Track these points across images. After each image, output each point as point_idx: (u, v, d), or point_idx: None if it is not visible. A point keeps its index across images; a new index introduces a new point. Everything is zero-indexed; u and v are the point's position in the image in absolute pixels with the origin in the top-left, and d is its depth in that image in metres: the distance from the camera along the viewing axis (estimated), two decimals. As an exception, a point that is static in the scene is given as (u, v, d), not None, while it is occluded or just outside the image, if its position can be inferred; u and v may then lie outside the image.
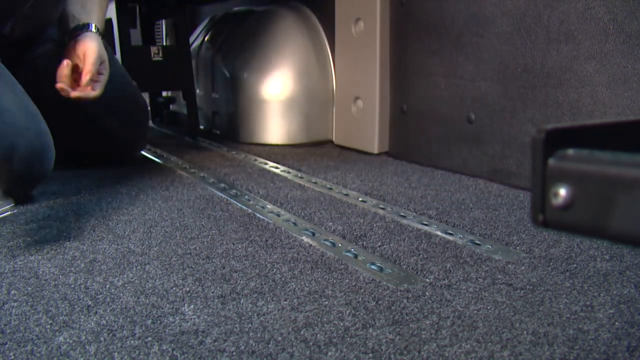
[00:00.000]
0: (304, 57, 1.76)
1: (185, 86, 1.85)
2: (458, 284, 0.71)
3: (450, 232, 0.92)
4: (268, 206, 1.07)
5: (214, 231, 0.92)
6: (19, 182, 1.04)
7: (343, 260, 0.79)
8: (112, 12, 1.83)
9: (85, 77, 1.14)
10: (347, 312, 0.63)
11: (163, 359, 0.54)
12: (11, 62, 1.17)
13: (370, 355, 0.55)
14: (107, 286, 0.70)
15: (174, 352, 0.55)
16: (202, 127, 2.03)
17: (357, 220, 0.98)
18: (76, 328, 0.59)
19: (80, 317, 0.62)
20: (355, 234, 0.91)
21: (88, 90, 1.15)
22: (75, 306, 0.65)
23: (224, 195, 1.15)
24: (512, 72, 1.22)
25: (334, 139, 1.76)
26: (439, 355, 0.55)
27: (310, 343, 0.57)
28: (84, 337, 0.58)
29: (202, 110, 2.04)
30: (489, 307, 0.65)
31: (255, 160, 1.53)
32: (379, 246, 0.86)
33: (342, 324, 0.61)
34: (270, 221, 0.97)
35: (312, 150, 1.68)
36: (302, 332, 0.59)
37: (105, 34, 1.27)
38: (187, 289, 0.70)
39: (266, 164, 1.48)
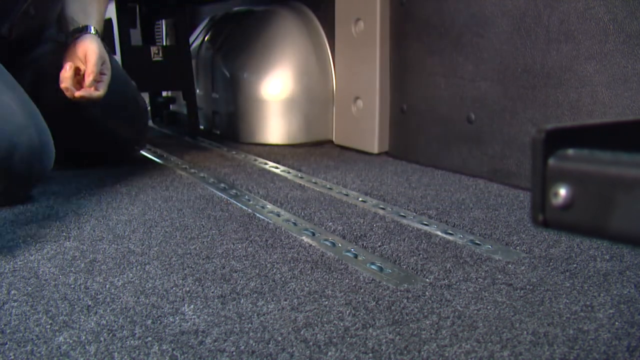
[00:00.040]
0: (304, 57, 1.76)
1: (185, 86, 1.85)
2: (458, 284, 0.71)
3: (450, 232, 0.92)
4: (268, 206, 1.07)
5: (214, 231, 0.92)
6: (19, 181, 1.05)
7: (343, 260, 0.79)
8: (112, 12, 1.84)
9: (89, 78, 1.14)
10: (347, 312, 0.63)
11: (163, 359, 0.54)
12: (10, 64, 1.17)
13: (370, 355, 0.55)
14: (107, 286, 0.70)
15: (174, 352, 0.55)
16: (202, 127, 2.04)
17: (357, 220, 0.98)
18: (76, 328, 0.59)
19: (80, 317, 0.62)
20: (355, 234, 0.91)
21: (92, 91, 1.15)
22: (75, 306, 0.65)
23: (224, 195, 1.15)
24: (512, 72, 1.22)
25: (334, 139, 1.76)
26: (439, 355, 0.55)
27: (310, 343, 0.57)
28: (84, 337, 0.58)
29: (202, 110, 2.04)
30: (489, 307, 0.65)
31: (255, 160, 1.53)
32: (379, 246, 0.86)
33: (342, 324, 0.61)
34: (270, 221, 0.97)
35: (312, 150, 1.68)
36: (302, 332, 0.59)
37: (105, 36, 1.28)
38: (187, 289, 0.70)
39: (266, 164, 1.48)
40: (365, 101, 1.60)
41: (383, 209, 1.06)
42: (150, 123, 2.15)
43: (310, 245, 0.85)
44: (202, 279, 0.73)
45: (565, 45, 1.12)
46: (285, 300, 0.67)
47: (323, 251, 0.83)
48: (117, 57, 1.82)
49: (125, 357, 0.54)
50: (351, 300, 0.66)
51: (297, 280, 0.72)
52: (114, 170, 1.37)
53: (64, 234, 0.91)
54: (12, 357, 0.54)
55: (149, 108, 2.12)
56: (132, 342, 0.57)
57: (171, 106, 2.16)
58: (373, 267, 0.77)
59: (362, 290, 0.69)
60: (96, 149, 1.44)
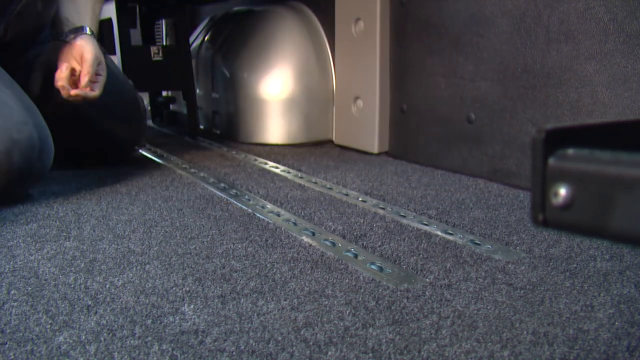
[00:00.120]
0: (304, 57, 1.76)
1: (185, 86, 1.85)
2: (458, 283, 0.71)
3: (450, 232, 0.92)
4: (268, 206, 1.07)
5: (214, 231, 0.92)
6: (20, 177, 1.05)
7: (343, 260, 0.79)
8: (112, 12, 1.84)
9: (84, 79, 1.15)
10: (347, 311, 0.63)
11: (163, 358, 0.54)
12: (5, 65, 1.17)
13: (370, 355, 0.55)
14: (107, 286, 0.70)
15: (174, 351, 0.55)
16: (202, 126, 2.04)
17: (357, 220, 0.98)
18: (76, 328, 0.60)
19: (80, 317, 0.62)
20: (355, 233, 0.91)
21: (87, 91, 1.15)
22: (75, 306, 0.65)
23: (224, 195, 1.15)
24: (512, 72, 1.22)
25: (334, 139, 1.76)
26: (439, 355, 0.55)
27: (310, 343, 0.57)
28: (84, 337, 0.58)
29: (202, 110, 2.04)
30: (489, 307, 0.65)
31: (255, 160, 1.53)
32: (379, 246, 0.86)
33: (342, 324, 0.61)
34: (270, 221, 0.97)
35: (312, 150, 1.68)
36: (302, 332, 0.59)
37: (105, 36, 1.28)
38: (187, 288, 0.70)
39: (266, 163, 1.48)
40: (365, 101, 1.60)
41: (383, 208, 1.06)
42: (150, 123, 2.15)
43: (310, 245, 0.85)
44: (202, 278, 0.73)
45: (565, 45, 1.12)
46: (285, 300, 0.67)
47: (323, 251, 0.83)
48: (117, 57, 1.83)
49: (125, 356, 0.54)
50: (351, 300, 0.66)
51: (297, 280, 0.72)
52: (114, 170, 1.37)
53: (64, 234, 0.91)
54: (12, 356, 0.54)
55: (148, 108, 2.12)
56: (132, 341, 0.57)
57: (171, 106, 2.16)
58: (373, 267, 0.77)
59: (362, 290, 0.69)
60: (95, 148, 1.44)
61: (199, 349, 0.55)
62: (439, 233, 0.91)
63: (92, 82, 1.16)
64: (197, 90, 2.01)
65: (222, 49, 1.94)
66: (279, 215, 1.01)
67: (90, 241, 0.87)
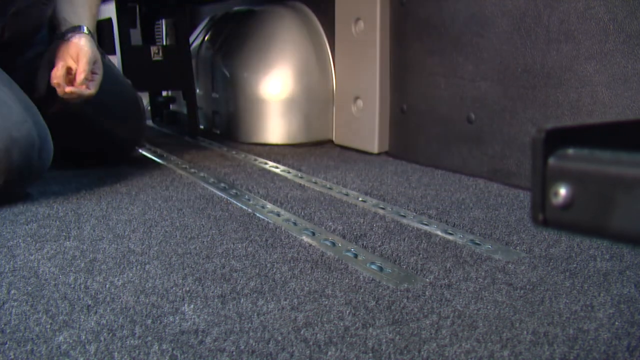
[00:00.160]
0: (304, 57, 1.76)
1: (185, 86, 1.85)
2: (458, 283, 0.71)
3: (450, 231, 0.92)
4: (268, 206, 1.07)
5: (214, 231, 0.92)
6: (19, 176, 1.05)
7: (343, 259, 0.79)
8: (112, 12, 1.84)
9: (80, 76, 1.15)
10: (347, 311, 0.63)
11: (163, 358, 0.54)
12: (6, 66, 1.17)
13: (370, 354, 0.55)
14: (107, 286, 0.70)
15: (174, 351, 0.55)
16: (202, 126, 2.04)
17: (357, 220, 0.98)
18: (76, 327, 0.60)
19: (80, 317, 0.62)
20: (355, 233, 0.91)
21: (83, 89, 1.15)
22: (75, 306, 0.65)
23: (224, 195, 1.15)
24: (512, 72, 1.22)
25: (334, 139, 1.76)
26: (439, 354, 0.55)
27: (310, 342, 0.57)
28: (84, 337, 0.58)
29: (202, 110, 2.04)
30: (489, 307, 0.65)
31: (255, 160, 1.53)
32: (379, 246, 0.86)
33: (342, 324, 0.61)
34: (270, 221, 0.97)
35: (312, 150, 1.68)
36: (302, 332, 0.59)
37: (105, 36, 1.28)
38: (187, 288, 0.70)
39: (266, 163, 1.48)
40: (365, 101, 1.60)
41: (383, 208, 1.06)
42: (150, 123, 2.15)
43: (310, 245, 0.85)
44: (202, 278, 0.73)
45: (565, 45, 1.12)
46: (285, 299, 0.67)
47: (323, 251, 0.83)
48: (117, 57, 1.83)
49: (125, 356, 0.54)
50: (351, 300, 0.66)
51: (297, 279, 0.72)
52: (114, 170, 1.37)
53: (64, 233, 0.91)
54: (12, 356, 0.54)
55: (148, 108, 2.12)
56: (132, 341, 0.57)
57: (171, 106, 2.16)
58: (373, 266, 0.77)
59: (362, 290, 0.69)
60: (94, 148, 1.44)
61: (199, 349, 0.55)
62: (439, 233, 0.91)
63: (87, 80, 1.16)
64: (197, 90, 2.01)
65: (222, 49, 1.94)
66: (279, 215, 1.01)
67: (90, 241, 0.87)
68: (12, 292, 0.69)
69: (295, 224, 0.96)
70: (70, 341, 0.57)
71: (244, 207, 1.06)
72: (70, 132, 1.27)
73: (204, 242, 0.87)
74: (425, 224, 0.96)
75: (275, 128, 1.77)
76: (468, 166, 1.34)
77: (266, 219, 0.98)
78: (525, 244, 0.86)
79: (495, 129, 1.27)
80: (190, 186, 1.23)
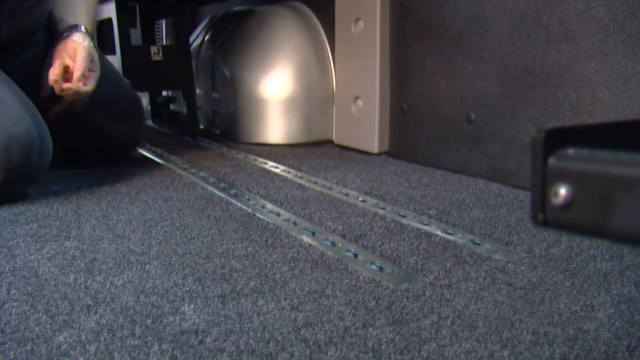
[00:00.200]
0: (304, 56, 1.76)
1: (185, 86, 1.85)
2: (458, 283, 0.71)
3: (450, 231, 0.92)
4: (268, 206, 1.07)
5: (214, 231, 0.92)
6: (18, 174, 1.05)
7: (343, 259, 0.79)
8: (112, 12, 1.84)
9: (77, 73, 1.15)
10: (347, 311, 0.63)
11: (163, 358, 0.54)
12: (3, 67, 1.17)
13: (370, 354, 0.55)
14: (107, 286, 0.70)
15: (174, 351, 0.55)
16: (202, 126, 2.04)
17: (357, 220, 0.98)
18: (76, 327, 0.60)
19: (80, 317, 0.62)
20: (355, 233, 0.91)
21: (80, 85, 1.15)
22: (75, 306, 0.65)
23: (224, 195, 1.15)
24: (512, 72, 1.22)
25: (334, 139, 1.76)
26: (439, 354, 0.55)
27: (310, 342, 0.57)
28: (84, 337, 0.58)
29: (202, 109, 2.04)
30: (489, 307, 0.65)
31: (255, 160, 1.53)
32: (379, 246, 0.86)
33: (342, 324, 0.61)
34: (270, 221, 0.97)
35: (312, 150, 1.68)
36: (302, 332, 0.59)
37: (105, 35, 1.28)
38: (187, 288, 0.70)
39: (266, 163, 1.48)
40: (365, 101, 1.60)
41: (383, 208, 1.06)
42: (150, 123, 2.15)
43: (310, 245, 0.85)
44: (202, 278, 0.73)
45: (565, 45, 1.12)
46: (285, 299, 0.67)
47: (323, 251, 0.83)
48: (117, 57, 1.83)
49: (125, 356, 0.54)
50: (351, 300, 0.66)
51: (297, 279, 0.72)
52: (114, 170, 1.37)
53: (64, 233, 0.91)
54: (12, 356, 0.54)
55: (148, 108, 2.12)
56: (132, 341, 0.57)
57: (171, 106, 2.16)
58: (373, 266, 0.77)
59: (362, 290, 0.69)
60: (94, 148, 1.44)
61: (199, 349, 0.55)
62: (439, 233, 0.91)
63: (84, 77, 1.16)
64: (197, 90, 2.01)
65: (222, 49, 1.94)
66: (279, 215, 1.01)
67: (90, 241, 0.87)
68: (12, 292, 0.69)
69: (295, 224, 0.96)
70: (70, 341, 0.57)
71: (244, 207, 1.06)
72: (70, 132, 1.27)
73: (204, 242, 0.87)
74: (425, 224, 0.96)
75: (275, 128, 1.77)
76: (468, 166, 1.34)
77: (266, 219, 0.98)
78: (525, 244, 0.86)
79: (495, 129, 1.27)
80: (190, 186, 1.23)
